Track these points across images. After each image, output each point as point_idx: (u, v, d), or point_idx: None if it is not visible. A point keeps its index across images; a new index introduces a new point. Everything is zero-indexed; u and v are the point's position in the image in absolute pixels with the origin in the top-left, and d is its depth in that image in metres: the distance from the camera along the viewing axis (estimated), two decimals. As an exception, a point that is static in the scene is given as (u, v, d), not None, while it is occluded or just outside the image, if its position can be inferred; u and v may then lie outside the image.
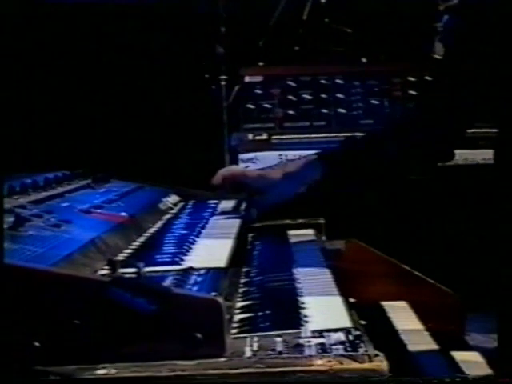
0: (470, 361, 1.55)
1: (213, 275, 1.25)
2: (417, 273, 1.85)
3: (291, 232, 1.94)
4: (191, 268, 1.29)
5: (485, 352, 1.61)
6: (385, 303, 1.81)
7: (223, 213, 1.86)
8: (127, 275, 1.13)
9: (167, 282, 1.18)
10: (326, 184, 1.80)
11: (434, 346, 1.60)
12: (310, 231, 1.95)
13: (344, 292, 1.38)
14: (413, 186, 1.85)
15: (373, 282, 1.84)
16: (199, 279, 1.22)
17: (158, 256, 1.37)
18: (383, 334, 1.38)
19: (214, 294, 1.11)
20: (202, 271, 1.27)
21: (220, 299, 1.04)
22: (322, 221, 2.01)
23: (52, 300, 1.03)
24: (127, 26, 2.81)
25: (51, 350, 1.02)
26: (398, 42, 2.99)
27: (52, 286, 1.04)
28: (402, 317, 1.74)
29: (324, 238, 1.97)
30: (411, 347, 1.57)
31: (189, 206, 2.02)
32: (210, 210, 1.90)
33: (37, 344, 1.01)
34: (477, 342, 1.96)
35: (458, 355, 1.57)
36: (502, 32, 1.58)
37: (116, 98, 2.83)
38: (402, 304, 1.81)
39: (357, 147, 1.85)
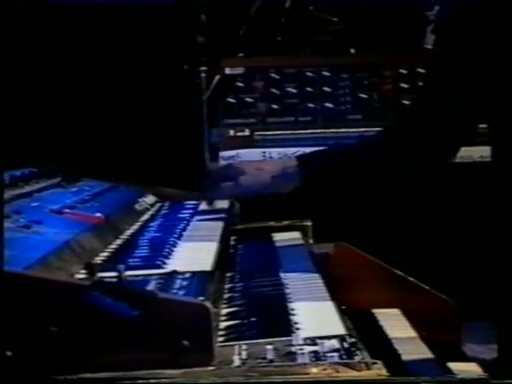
0: (468, 372, 1.57)
1: (198, 279, 1.27)
2: (410, 278, 1.86)
3: (276, 235, 1.96)
4: (175, 272, 1.30)
5: (483, 363, 1.62)
6: (376, 311, 1.82)
7: (205, 213, 1.87)
8: (106, 279, 1.13)
9: (150, 287, 1.19)
10: (304, 190, 1.81)
11: (430, 356, 1.61)
12: (296, 234, 1.97)
13: (335, 299, 1.40)
14: (406, 185, 1.87)
15: (363, 288, 1.85)
16: (184, 283, 1.23)
17: (137, 259, 1.38)
18: (375, 344, 1.39)
19: (201, 298, 1.12)
20: (187, 275, 1.28)
21: (208, 304, 1.05)
22: (308, 223, 2.02)
23: (26, 306, 1.04)
24: (101, 12, 2.81)
25: (25, 359, 1.02)
26: (389, 31, 3.02)
27: (26, 290, 1.04)
28: (395, 325, 1.75)
29: (311, 241, 1.98)
30: (405, 357, 1.58)
31: (166, 207, 2.03)
32: (188, 212, 1.91)
33: (9, 354, 1.02)
34: (474, 353, 1.98)
35: (455, 366, 1.58)
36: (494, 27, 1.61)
37: (87, 89, 2.83)
38: (395, 312, 1.82)
39: (340, 152, 1.87)
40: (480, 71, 1.63)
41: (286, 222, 2.03)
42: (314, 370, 1.01)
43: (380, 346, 1.60)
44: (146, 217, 1.87)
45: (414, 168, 1.78)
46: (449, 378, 1.19)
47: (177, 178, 2.24)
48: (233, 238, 1.93)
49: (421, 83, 2.05)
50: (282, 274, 1.54)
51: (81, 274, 1.22)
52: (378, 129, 1.95)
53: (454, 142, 1.75)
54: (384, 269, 1.88)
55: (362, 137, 2.06)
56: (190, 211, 1.92)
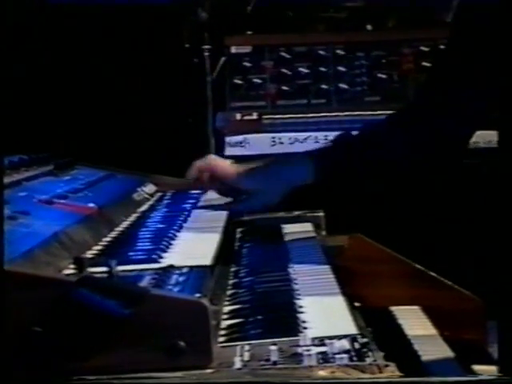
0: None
1: (196, 274, 1.25)
2: (431, 273, 1.85)
3: (286, 226, 1.95)
4: (171, 266, 1.29)
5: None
6: (394, 308, 1.81)
7: (207, 204, 1.87)
8: (97, 275, 1.12)
9: (144, 283, 1.18)
10: (317, 185, 1.81)
11: (452, 357, 1.60)
12: (308, 225, 1.96)
13: (347, 295, 1.38)
14: (425, 172, 1.85)
15: (380, 284, 1.84)
16: (181, 279, 1.22)
17: (132, 253, 1.37)
18: (393, 343, 1.38)
19: (198, 295, 1.11)
20: (184, 270, 1.27)
21: (205, 301, 1.04)
22: (321, 213, 2.01)
23: (8, 303, 1.02)
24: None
25: (6, 361, 1.01)
26: (409, 5, 2.99)
27: (9, 286, 1.03)
28: (415, 323, 1.75)
29: (324, 233, 1.97)
30: (425, 358, 1.57)
31: (167, 197, 2.03)
32: (191, 201, 1.91)
33: (-12, 356, 1.01)
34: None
35: (480, 369, 1.57)
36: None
37: (83, 71, 2.82)
38: (415, 309, 1.82)
39: (352, 144, 1.85)
40: (497, 51, 1.62)
41: (296, 213, 2.02)
42: (321, 372, 1.00)
43: (398, 345, 1.59)
44: (144, 207, 1.86)
45: (428, 152, 1.77)
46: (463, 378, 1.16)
47: (179, 166, 2.23)
48: (239, 229, 1.92)
49: (433, 61, 2.04)
50: (290, 269, 1.53)
51: (69, 270, 1.21)
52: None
53: (468, 125, 1.74)
54: (403, 263, 1.87)
55: (370, 122, 2.05)
56: (193, 201, 1.92)
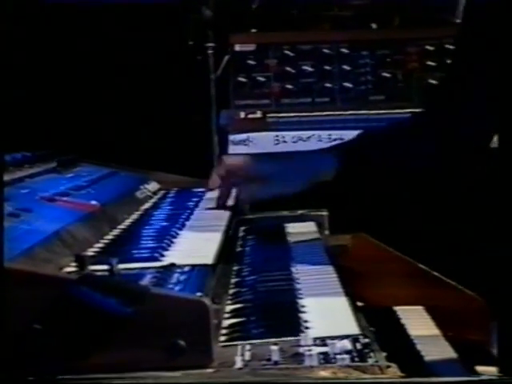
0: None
1: (198, 273, 1.25)
2: (435, 273, 1.85)
3: (289, 225, 1.94)
4: (173, 265, 1.28)
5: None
6: (398, 308, 1.81)
7: (210, 202, 1.86)
8: (98, 273, 1.12)
9: (145, 281, 1.18)
10: (338, 180, 1.79)
11: (456, 358, 1.60)
12: (311, 224, 1.96)
13: (351, 295, 1.38)
14: (438, 173, 1.84)
15: (384, 284, 1.84)
16: (182, 277, 1.22)
17: (134, 251, 1.37)
18: (396, 343, 1.37)
19: (199, 294, 1.10)
20: (186, 268, 1.27)
21: (206, 300, 1.03)
22: (324, 213, 2.01)
23: (8, 301, 1.02)
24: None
25: (6, 360, 1.01)
26: (414, 4, 2.98)
27: (9, 284, 1.03)
28: (418, 323, 1.74)
29: (327, 232, 1.97)
30: (428, 358, 1.57)
31: (171, 195, 2.03)
32: (195, 200, 1.90)
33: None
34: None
35: (484, 370, 1.57)
36: None
37: (87, 67, 2.82)
38: (418, 309, 1.82)
39: (377, 139, 1.84)
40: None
41: (300, 212, 2.02)
42: (322, 373, 0.99)
43: (401, 345, 1.59)
44: (147, 205, 1.86)
45: (446, 153, 1.76)
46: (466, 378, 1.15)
47: (183, 164, 2.23)
48: (242, 228, 1.92)
49: (449, 60, 2.02)
50: (293, 268, 1.53)
51: (70, 267, 1.20)
52: (402, 110, 1.93)
53: (487, 126, 1.72)
54: (406, 262, 1.87)
55: (392, 121, 2.03)
56: (196, 199, 1.91)
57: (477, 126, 1.72)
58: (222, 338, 1.15)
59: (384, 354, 1.09)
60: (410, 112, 2.47)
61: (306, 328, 1.17)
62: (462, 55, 1.76)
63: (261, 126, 2.72)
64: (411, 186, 1.90)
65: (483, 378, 1.29)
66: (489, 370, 1.56)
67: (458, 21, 2.86)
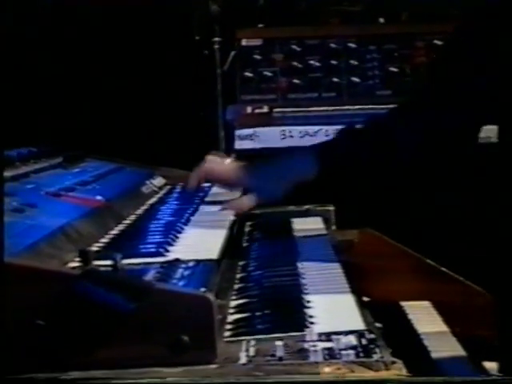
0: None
1: (202, 268, 1.24)
2: (442, 268, 1.84)
3: (295, 220, 1.94)
4: (177, 260, 1.28)
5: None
6: (405, 303, 1.81)
7: (216, 197, 1.86)
8: (102, 268, 1.11)
9: (149, 276, 1.18)
10: (322, 179, 1.77)
11: (462, 354, 1.59)
12: (318, 220, 1.95)
13: (357, 290, 1.38)
14: (434, 167, 1.83)
15: (391, 279, 1.83)
16: (186, 273, 1.21)
17: (139, 246, 1.36)
18: (402, 339, 1.37)
19: (203, 289, 1.10)
20: (190, 264, 1.26)
21: (210, 295, 1.03)
22: (331, 207, 2.00)
23: (12, 296, 1.02)
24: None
25: (9, 355, 1.00)
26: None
27: (13, 280, 1.03)
28: (425, 319, 1.74)
29: (334, 227, 1.96)
30: (435, 355, 1.56)
31: (176, 190, 2.02)
32: (201, 195, 1.90)
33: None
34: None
35: (491, 365, 1.56)
36: None
37: (93, 62, 2.81)
38: (425, 304, 1.81)
39: (359, 135, 1.83)
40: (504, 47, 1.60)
41: (306, 207, 2.02)
42: (327, 369, 0.98)
43: (408, 341, 1.59)
44: (152, 200, 1.86)
45: (431, 147, 1.75)
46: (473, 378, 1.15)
47: (190, 159, 2.22)
48: (248, 223, 1.91)
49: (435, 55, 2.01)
50: (299, 263, 1.52)
51: (75, 263, 1.20)
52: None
53: (473, 119, 1.72)
54: (413, 258, 1.86)
55: (372, 116, 2.02)
56: (202, 194, 1.91)
57: (464, 118, 1.71)
58: (227, 334, 1.15)
59: (390, 349, 1.09)
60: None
61: (311, 323, 1.17)
62: (453, 46, 1.75)
63: (267, 120, 2.72)
64: (402, 176, 1.88)
65: (482, 378, 1.29)
66: (495, 366, 1.56)
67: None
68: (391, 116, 1.80)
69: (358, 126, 1.78)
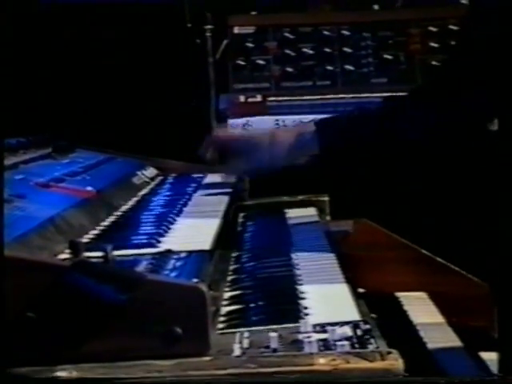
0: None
1: (195, 259, 1.24)
2: (438, 259, 1.84)
3: (290, 211, 1.94)
4: (169, 251, 1.28)
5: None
6: (400, 294, 1.81)
7: (209, 188, 1.86)
8: (92, 259, 1.11)
9: (141, 267, 1.17)
10: (325, 157, 1.78)
11: (459, 345, 1.59)
12: (312, 210, 1.95)
13: (352, 281, 1.38)
14: (438, 154, 1.83)
15: (386, 270, 1.84)
16: (178, 264, 1.21)
17: (130, 237, 1.36)
18: (398, 330, 1.37)
19: (195, 280, 1.10)
20: (183, 254, 1.26)
21: (203, 286, 1.02)
22: (325, 198, 2.00)
23: (1, 289, 1.01)
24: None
25: (0, 347, 1.00)
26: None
27: (1, 271, 1.02)
28: (421, 310, 1.74)
29: (328, 217, 1.96)
30: (431, 345, 1.56)
31: (169, 181, 2.02)
32: (193, 185, 1.90)
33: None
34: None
35: (488, 356, 1.57)
36: None
37: (83, 52, 2.81)
38: (421, 295, 1.82)
39: (370, 115, 1.83)
40: None
41: (300, 197, 2.02)
42: (322, 360, 0.98)
43: (403, 332, 1.59)
44: (144, 191, 1.86)
45: (445, 134, 1.75)
46: (471, 377, 1.15)
47: (182, 149, 2.21)
48: (241, 214, 1.91)
49: (453, 42, 2.00)
50: (293, 254, 1.52)
51: (65, 254, 1.20)
52: (404, 93, 1.92)
53: (490, 105, 1.71)
54: (409, 248, 1.86)
55: (386, 99, 2.02)
56: (194, 185, 1.91)
57: (477, 106, 1.71)
58: (220, 326, 1.15)
59: (385, 340, 1.09)
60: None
61: (306, 314, 1.17)
62: (467, 36, 1.75)
63: (261, 109, 2.71)
64: (409, 161, 1.88)
65: (482, 378, 1.29)
66: (493, 356, 1.56)
67: (463, 1, 2.85)
68: (402, 100, 1.80)
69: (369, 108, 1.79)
